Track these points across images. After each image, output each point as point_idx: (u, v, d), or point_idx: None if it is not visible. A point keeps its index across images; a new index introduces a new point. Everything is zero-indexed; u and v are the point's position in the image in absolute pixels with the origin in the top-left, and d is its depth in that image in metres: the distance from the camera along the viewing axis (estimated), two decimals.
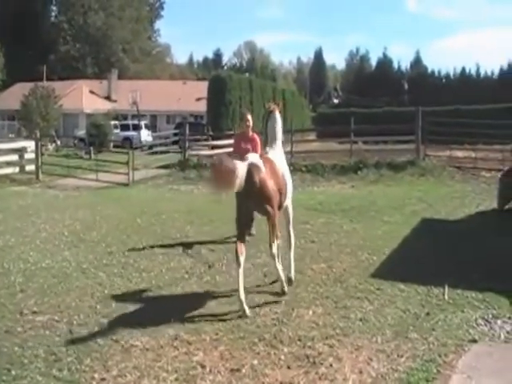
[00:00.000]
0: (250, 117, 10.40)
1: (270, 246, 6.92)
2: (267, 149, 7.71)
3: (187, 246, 9.75)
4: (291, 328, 6.01)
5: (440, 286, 7.15)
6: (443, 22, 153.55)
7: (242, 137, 10.38)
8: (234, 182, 6.25)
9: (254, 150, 9.36)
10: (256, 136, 10.13)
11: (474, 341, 5.62)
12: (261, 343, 5.65)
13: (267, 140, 7.89)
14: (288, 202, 7.65)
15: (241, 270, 6.48)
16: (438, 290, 7.09)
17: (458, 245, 9.53)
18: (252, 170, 6.55)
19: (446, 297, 6.86)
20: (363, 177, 18.80)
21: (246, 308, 6.40)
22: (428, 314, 6.35)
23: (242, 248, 6.62)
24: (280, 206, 7.22)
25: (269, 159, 7.24)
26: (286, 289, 7.10)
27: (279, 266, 7.08)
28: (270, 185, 6.80)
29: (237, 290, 6.47)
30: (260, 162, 6.81)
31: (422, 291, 7.09)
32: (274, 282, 7.49)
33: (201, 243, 9.89)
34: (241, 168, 6.37)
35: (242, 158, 6.83)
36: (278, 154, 7.65)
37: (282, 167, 7.47)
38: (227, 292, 7.18)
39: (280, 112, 8.11)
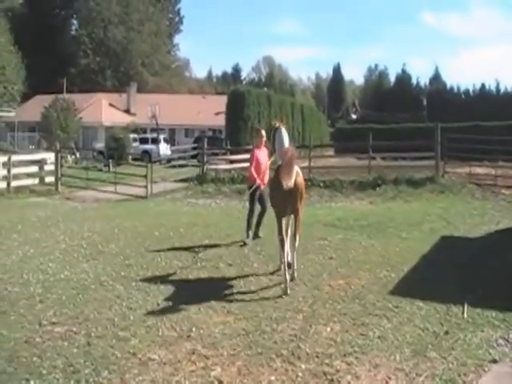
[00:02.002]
0: (263, 132, 11.59)
1: (295, 238, 8.36)
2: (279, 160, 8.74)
3: (205, 260, 9.75)
4: (309, 344, 5.98)
5: (459, 305, 7.08)
6: (461, 37, 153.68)
7: (260, 150, 11.49)
8: (293, 173, 8.03)
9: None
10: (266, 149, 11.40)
11: (495, 361, 5.55)
12: (278, 359, 5.64)
13: (274, 152, 9.26)
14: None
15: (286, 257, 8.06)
16: (458, 308, 7.02)
17: (478, 263, 9.44)
18: (298, 173, 8.29)
19: (466, 316, 6.79)
20: (382, 193, 18.71)
21: (288, 287, 7.75)
22: (447, 332, 6.29)
23: (284, 238, 8.28)
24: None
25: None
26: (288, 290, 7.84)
27: (295, 255, 8.41)
28: (302, 187, 8.41)
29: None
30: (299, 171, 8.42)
31: (441, 309, 7.03)
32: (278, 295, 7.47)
33: (218, 257, 9.89)
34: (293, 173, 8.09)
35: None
36: None
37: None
38: (244, 307, 7.17)
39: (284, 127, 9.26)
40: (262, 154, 11.29)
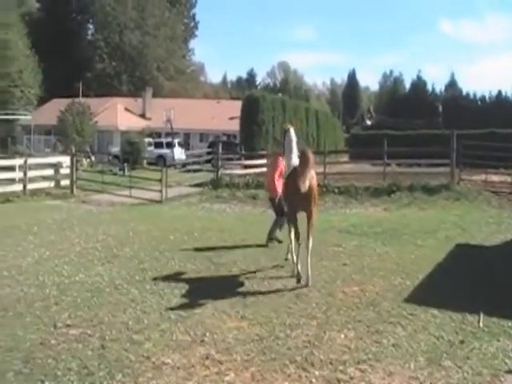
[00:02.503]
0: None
1: (308, 239, 8.58)
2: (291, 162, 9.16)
3: (219, 264, 9.76)
4: (323, 351, 5.96)
5: (475, 314, 7.03)
6: (477, 44, 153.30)
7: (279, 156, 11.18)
8: (309, 176, 8.37)
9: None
10: None
11: (510, 371, 5.50)
12: (292, 365, 5.62)
13: (284, 154, 9.65)
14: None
15: (298, 250, 8.61)
16: (473, 317, 6.97)
17: (494, 271, 9.37)
18: (313, 176, 8.71)
19: (481, 324, 6.73)
20: (396, 200, 18.64)
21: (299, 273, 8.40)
22: (462, 341, 6.24)
23: (297, 232, 8.71)
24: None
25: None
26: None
27: (309, 260, 8.51)
28: (315, 190, 8.76)
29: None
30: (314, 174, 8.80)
31: (456, 318, 6.98)
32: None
33: (233, 262, 9.89)
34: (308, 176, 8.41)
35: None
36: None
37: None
38: (258, 313, 7.17)
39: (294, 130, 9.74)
40: (281, 162, 10.88)
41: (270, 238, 11.42)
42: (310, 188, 8.51)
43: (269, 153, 24.40)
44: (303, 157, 8.61)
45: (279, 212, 11.17)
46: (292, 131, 9.64)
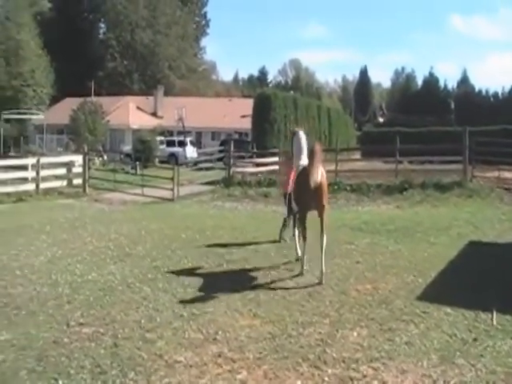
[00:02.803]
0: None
1: (322, 237, 8.69)
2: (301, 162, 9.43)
3: (231, 263, 9.76)
4: (335, 349, 5.95)
5: (488, 311, 6.98)
6: (489, 40, 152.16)
7: None
8: (317, 169, 8.57)
9: None
10: None
11: None
12: (305, 364, 5.61)
13: (293, 155, 9.88)
14: None
15: (305, 246, 8.83)
16: (486, 315, 6.92)
17: (507, 269, 9.31)
18: (323, 173, 8.82)
19: (495, 322, 6.68)
20: (409, 197, 18.56)
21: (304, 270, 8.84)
22: (475, 339, 6.20)
23: (305, 232, 8.84)
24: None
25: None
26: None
27: (323, 257, 8.59)
28: (326, 186, 8.92)
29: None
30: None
31: (469, 316, 6.93)
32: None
33: (245, 260, 9.89)
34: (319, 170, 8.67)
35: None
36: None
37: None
38: (270, 311, 7.17)
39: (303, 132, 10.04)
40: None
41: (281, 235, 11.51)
42: (321, 184, 8.69)
43: (281, 151, 24.43)
44: (311, 152, 8.87)
45: (288, 211, 11.12)
46: (301, 133, 9.93)
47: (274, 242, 11.34)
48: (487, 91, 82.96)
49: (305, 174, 8.78)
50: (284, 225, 11.54)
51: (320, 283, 8.35)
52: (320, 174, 8.68)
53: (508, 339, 6.18)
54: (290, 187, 10.49)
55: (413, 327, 6.57)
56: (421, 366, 5.54)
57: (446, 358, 5.69)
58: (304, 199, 9.00)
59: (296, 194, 9.43)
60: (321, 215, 8.85)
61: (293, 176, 10.32)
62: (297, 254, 9.63)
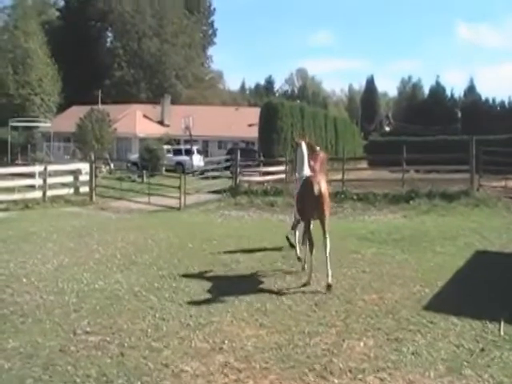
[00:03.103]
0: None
1: (325, 245, 8.95)
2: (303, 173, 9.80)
3: (238, 272, 9.76)
4: (342, 359, 5.94)
5: (495, 321, 6.97)
6: (496, 49, 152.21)
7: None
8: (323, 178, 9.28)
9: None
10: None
11: None
12: (311, 374, 5.61)
13: (296, 166, 10.32)
14: None
15: (312, 256, 9.04)
16: (494, 325, 6.91)
17: None
18: (325, 184, 9.28)
19: (502, 332, 6.67)
20: (415, 206, 18.52)
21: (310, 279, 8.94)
22: (483, 350, 6.18)
23: (312, 241, 9.09)
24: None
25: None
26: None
27: (328, 258, 8.86)
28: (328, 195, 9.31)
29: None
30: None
31: (476, 326, 6.92)
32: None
33: (251, 270, 9.89)
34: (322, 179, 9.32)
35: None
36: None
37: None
38: (277, 320, 7.16)
39: (306, 143, 10.34)
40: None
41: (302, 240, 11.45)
42: (323, 194, 9.05)
43: (289, 160, 24.37)
44: (316, 159, 9.85)
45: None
46: (303, 145, 10.23)
47: (280, 250, 11.34)
48: (494, 100, 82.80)
49: (307, 184, 9.19)
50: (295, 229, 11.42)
51: (330, 286, 8.45)
52: (320, 185, 9.09)
53: None
54: None
55: (419, 337, 6.55)
56: (428, 376, 5.53)
57: (453, 369, 5.68)
58: (307, 209, 9.28)
59: (299, 205, 9.68)
60: (323, 225, 9.12)
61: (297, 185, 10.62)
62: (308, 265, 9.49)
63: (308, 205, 9.22)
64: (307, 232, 9.30)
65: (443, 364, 5.80)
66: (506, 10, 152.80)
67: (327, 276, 8.60)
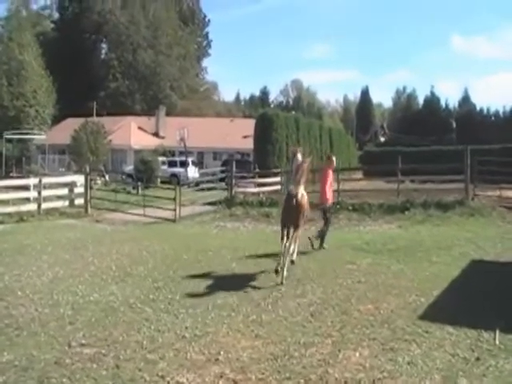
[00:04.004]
0: (334, 157, 13.94)
1: (290, 244, 10.25)
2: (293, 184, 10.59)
3: (233, 283, 9.75)
4: (337, 370, 5.93)
5: (491, 331, 6.98)
6: (490, 59, 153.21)
7: (328, 170, 13.51)
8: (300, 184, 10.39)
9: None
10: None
11: None
12: None
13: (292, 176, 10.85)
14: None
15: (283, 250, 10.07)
16: (489, 334, 6.92)
17: (509, 288, 9.32)
18: (304, 195, 10.50)
19: (497, 342, 6.68)
20: (410, 216, 18.54)
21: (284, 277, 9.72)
22: (478, 359, 6.19)
23: (284, 239, 10.24)
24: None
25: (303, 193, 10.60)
26: (283, 278, 9.78)
27: (288, 257, 10.15)
28: (305, 205, 10.51)
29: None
30: (305, 193, 10.59)
31: (471, 335, 6.93)
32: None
33: (247, 281, 9.88)
34: (299, 192, 10.32)
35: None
36: (302, 188, 10.66)
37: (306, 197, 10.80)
38: (272, 331, 7.15)
39: (301, 154, 11.16)
40: (330, 176, 13.53)
41: (321, 243, 12.93)
42: (299, 204, 10.29)
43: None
44: (297, 169, 10.61)
45: (325, 220, 13.17)
46: (299, 155, 11.00)
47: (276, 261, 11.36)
48: (488, 110, 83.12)
49: (290, 198, 10.39)
50: (321, 232, 12.94)
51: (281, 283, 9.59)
52: (300, 194, 10.33)
53: (511, 358, 6.17)
54: (328, 198, 13.21)
55: (415, 347, 6.56)
56: None
57: (449, 378, 5.69)
58: (285, 215, 10.59)
59: (282, 215, 10.87)
60: (294, 231, 10.40)
61: (328, 187, 13.19)
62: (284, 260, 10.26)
63: (285, 215, 10.56)
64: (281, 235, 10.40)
65: (438, 373, 5.81)
66: (499, 22, 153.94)
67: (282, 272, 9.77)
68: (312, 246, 12.70)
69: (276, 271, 9.72)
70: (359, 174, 39.43)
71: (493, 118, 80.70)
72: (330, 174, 13.58)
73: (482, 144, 36.72)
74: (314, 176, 18.01)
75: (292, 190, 10.39)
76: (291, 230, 10.42)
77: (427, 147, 49.84)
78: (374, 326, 7.34)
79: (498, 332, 6.90)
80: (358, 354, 6.36)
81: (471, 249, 12.85)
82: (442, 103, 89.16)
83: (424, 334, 6.98)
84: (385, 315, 7.83)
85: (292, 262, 10.53)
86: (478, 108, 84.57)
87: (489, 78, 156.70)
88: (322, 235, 12.97)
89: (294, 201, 10.23)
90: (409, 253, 12.42)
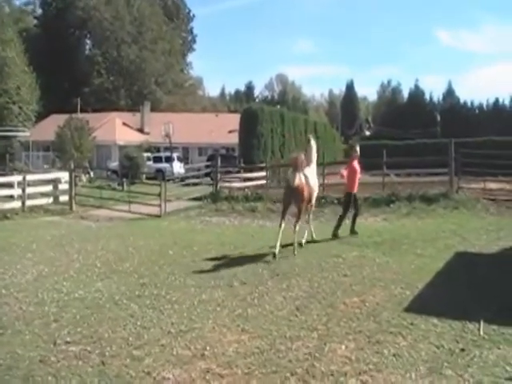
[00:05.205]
0: (358, 148, 14.71)
1: (294, 225, 11.63)
2: (306, 168, 12.15)
3: (219, 278, 9.75)
4: (324, 363, 5.95)
5: (475, 322, 7.02)
6: (474, 53, 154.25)
7: (354, 162, 14.27)
8: (296, 175, 11.48)
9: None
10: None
11: (511, 379, 5.49)
12: (293, 378, 5.61)
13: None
14: (313, 201, 13.04)
15: (280, 234, 11.24)
16: (473, 325, 6.96)
17: (493, 279, 9.36)
18: (301, 177, 11.60)
19: (482, 332, 6.72)
20: (395, 209, 18.60)
21: (277, 252, 11.01)
22: (463, 350, 6.23)
23: (281, 221, 11.54)
24: (308, 202, 12.41)
25: (306, 175, 11.96)
26: (295, 252, 11.48)
27: (295, 237, 11.58)
28: (304, 189, 11.68)
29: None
30: (303, 176, 11.74)
31: (456, 326, 6.97)
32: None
33: (233, 276, 9.88)
34: (298, 175, 11.52)
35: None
36: (311, 171, 12.60)
37: (311, 180, 12.40)
38: (258, 326, 7.16)
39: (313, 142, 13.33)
40: (356, 165, 14.14)
41: (335, 233, 13.58)
42: (299, 187, 11.48)
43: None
44: (294, 161, 11.77)
45: (348, 205, 14.09)
46: (312, 142, 13.36)
47: (261, 255, 11.39)
48: (472, 103, 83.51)
49: (288, 184, 11.84)
50: (339, 223, 13.82)
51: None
52: (298, 179, 11.44)
53: (495, 349, 6.22)
54: (353, 186, 14.05)
55: (400, 339, 6.59)
56: (409, 377, 5.56)
57: (434, 369, 5.71)
58: (284, 197, 12.12)
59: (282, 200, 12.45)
60: (297, 210, 11.74)
61: (352, 175, 13.99)
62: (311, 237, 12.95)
63: (284, 198, 12.13)
64: (282, 216, 11.76)
65: (424, 365, 5.84)
66: (484, 16, 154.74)
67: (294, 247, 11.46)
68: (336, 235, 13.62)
69: (274, 255, 10.97)
70: (343, 168, 39.43)
71: (477, 112, 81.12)
72: (355, 164, 14.20)
73: (466, 137, 36.93)
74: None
75: (290, 176, 11.70)
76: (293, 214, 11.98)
77: (412, 140, 50.02)
78: (360, 319, 7.36)
79: (482, 323, 6.94)
80: (343, 347, 6.38)
81: (456, 241, 12.92)
82: (427, 97, 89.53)
83: (409, 326, 7.01)
84: (370, 308, 7.85)
85: (300, 244, 12.04)
86: (462, 101, 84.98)
87: (472, 72, 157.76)
88: (354, 220, 14.07)
89: (292, 185, 11.43)
90: (394, 245, 12.47)
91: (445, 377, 5.54)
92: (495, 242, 12.80)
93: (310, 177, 12.30)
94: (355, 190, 14.22)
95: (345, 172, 14.11)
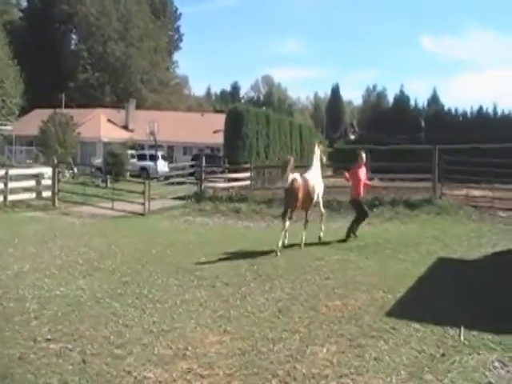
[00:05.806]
0: (364, 154, 14.78)
1: (305, 224, 13.27)
2: (307, 171, 13.40)
3: (201, 278, 9.72)
4: (305, 365, 5.95)
5: (456, 327, 7.06)
6: (459, 60, 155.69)
7: (360, 169, 14.44)
8: (287, 177, 12.07)
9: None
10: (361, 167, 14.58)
11: None
12: (274, 380, 5.61)
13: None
14: (319, 200, 14.06)
15: (283, 233, 12.12)
16: (454, 330, 7.00)
17: (475, 285, 9.43)
18: (298, 180, 12.34)
19: (462, 338, 6.77)
20: (379, 214, 18.63)
21: (278, 251, 11.67)
22: (443, 355, 6.26)
23: (285, 221, 12.22)
24: (310, 203, 13.25)
25: (305, 177, 12.85)
26: (302, 246, 12.58)
27: (304, 233, 12.86)
28: (300, 190, 12.35)
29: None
30: (301, 179, 12.54)
31: (437, 332, 7.01)
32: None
33: (215, 276, 9.86)
34: (291, 176, 12.17)
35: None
36: (312, 174, 13.43)
37: (313, 182, 13.16)
38: (240, 327, 7.15)
39: (319, 148, 14.76)
40: (361, 172, 14.33)
41: (349, 234, 13.86)
42: (293, 187, 12.13)
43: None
44: (285, 163, 12.31)
45: (362, 209, 14.30)
46: (316, 148, 14.59)
47: (245, 256, 11.40)
48: (456, 110, 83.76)
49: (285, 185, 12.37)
50: (355, 223, 14.15)
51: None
52: (290, 180, 12.05)
53: (475, 354, 6.27)
54: (359, 192, 14.31)
55: (382, 343, 6.61)
56: (390, 381, 5.58)
57: (415, 374, 5.74)
58: (284, 197, 12.90)
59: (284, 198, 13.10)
60: (305, 212, 13.32)
61: (356, 182, 14.18)
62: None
63: (284, 199, 12.92)
64: (283, 213, 12.44)
65: (405, 369, 5.86)
66: (469, 23, 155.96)
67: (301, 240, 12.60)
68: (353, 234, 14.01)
69: (276, 253, 11.63)
70: (329, 171, 39.52)
71: (461, 119, 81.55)
72: (362, 170, 14.42)
73: (450, 144, 37.08)
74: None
75: (283, 178, 12.24)
76: (293, 213, 12.60)
77: (396, 145, 50.17)
78: (342, 323, 7.38)
79: (462, 329, 6.99)
80: (325, 350, 6.39)
81: (438, 247, 13.00)
82: (412, 102, 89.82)
83: (391, 331, 7.04)
84: (352, 311, 7.88)
85: (319, 238, 13.45)
86: (446, 108, 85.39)
87: (457, 79, 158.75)
88: (359, 223, 14.23)
89: (288, 186, 12.16)
90: (377, 250, 12.53)
91: (425, 381, 5.58)
92: (477, 248, 12.90)
93: (310, 179, 12.98)
94: (361, 196, 14.64)
95: (348, 175, 14.40)
